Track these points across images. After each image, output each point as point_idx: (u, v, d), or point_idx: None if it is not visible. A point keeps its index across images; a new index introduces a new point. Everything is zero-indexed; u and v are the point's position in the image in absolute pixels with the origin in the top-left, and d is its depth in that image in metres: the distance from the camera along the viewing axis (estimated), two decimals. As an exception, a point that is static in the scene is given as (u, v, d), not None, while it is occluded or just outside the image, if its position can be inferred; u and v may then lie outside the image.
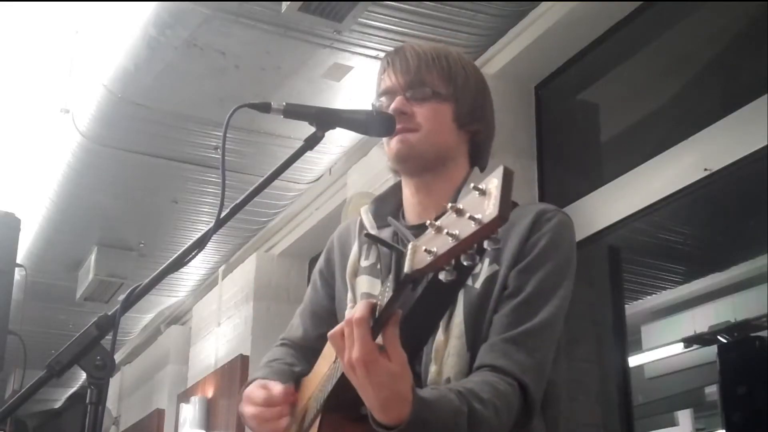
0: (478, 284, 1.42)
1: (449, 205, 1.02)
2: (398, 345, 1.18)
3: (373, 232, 1.54)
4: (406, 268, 1.08)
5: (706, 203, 4.01)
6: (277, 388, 1.47)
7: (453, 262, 1.03)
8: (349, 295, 1.56)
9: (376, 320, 1.17)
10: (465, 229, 0.99)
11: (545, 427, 1.44)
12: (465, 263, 1.03)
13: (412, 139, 1.50)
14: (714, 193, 3.56)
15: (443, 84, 1.52)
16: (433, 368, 1.39)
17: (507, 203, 0.97)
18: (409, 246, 1.09)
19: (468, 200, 1.01)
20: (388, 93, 1.54)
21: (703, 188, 3.20)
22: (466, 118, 1.54)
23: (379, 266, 1.52)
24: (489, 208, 0.97)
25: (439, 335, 1.40)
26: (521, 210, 1.48)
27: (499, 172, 0.99)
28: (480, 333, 1.40)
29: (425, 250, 1.05)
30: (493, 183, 0.98)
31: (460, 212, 1.01)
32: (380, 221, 1.57)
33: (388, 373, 1.17)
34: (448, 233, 1.01)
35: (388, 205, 1.61)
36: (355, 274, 1.57)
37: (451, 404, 1.23)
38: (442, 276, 1.06)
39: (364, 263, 1.56)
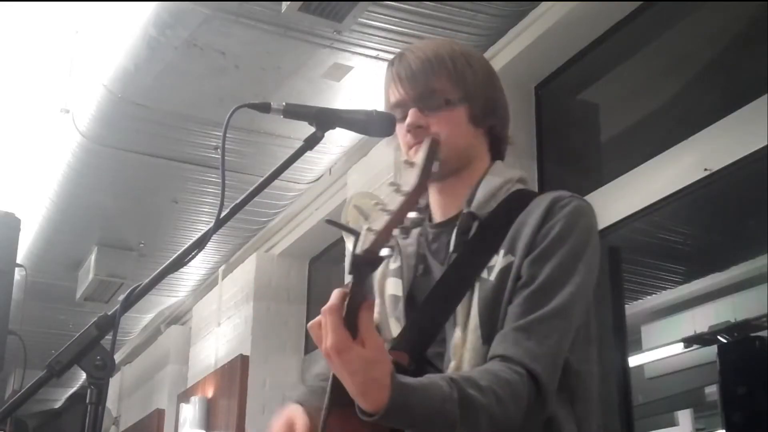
0: (492, 276, 1.40)
1: (388, 181, 1.06)
2: (373, 331, 1.17)
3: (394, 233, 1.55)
4: (357, 250, 1.10)
5: (706, 203, 4.01)
6: (300, 421, 1.46)
7: (404, 237, 1.08)
8: (377, 300, 1.56)
9: (348, 308, 1.18)
10: (395, 202, 1.05)
11: (575, 423, 1.39)
12: (402, 238, 1.06)
13: None
14: (714, 193, 3.56)
15: (453, 88, 1.49)
16: (452, 364, 1.38)
17: (427, 171, 1.03)
18: (363, 229, 1.12)
19: (403, 175, 1.08)
20: (399, 106, 1.51)
21: (703, 188, 3.20)
22: (481, 116, 1.52)
23: (401, 267, 1.52)
24: (412, 179, 1.04)
25: (458, 331, 1.39)
26: (538, 199, 1.46)
27: (426, 143, 1.06)
28: (495, 325, 1.37)
29: (369, 230, 1.08)
30: (419, 155, 1.06)
31: (394, 187, 1.06)
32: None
33: (362, 359, 1.16)
34: (384, 210, 1.06)
35: None
36: (384, 277, 1.57)
37: (439, 390, 1.21)
38: (383, 253, 1.08)
39: (392, 266, 1.55)
